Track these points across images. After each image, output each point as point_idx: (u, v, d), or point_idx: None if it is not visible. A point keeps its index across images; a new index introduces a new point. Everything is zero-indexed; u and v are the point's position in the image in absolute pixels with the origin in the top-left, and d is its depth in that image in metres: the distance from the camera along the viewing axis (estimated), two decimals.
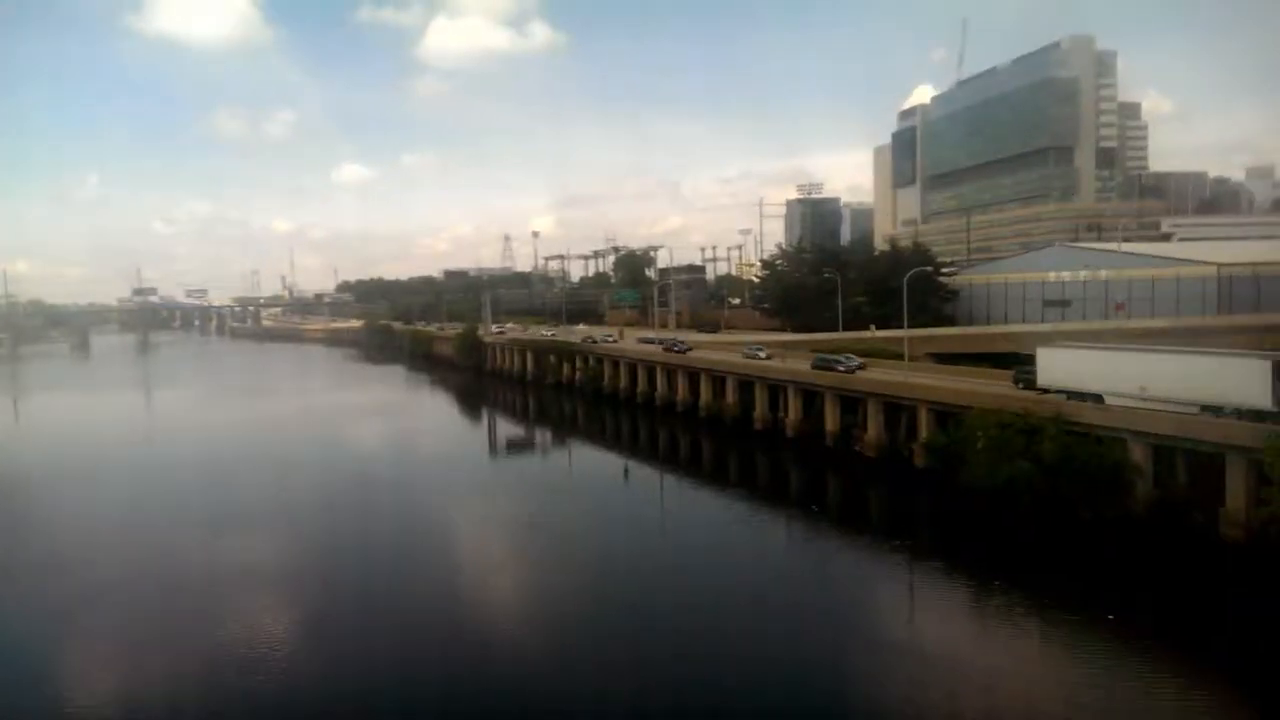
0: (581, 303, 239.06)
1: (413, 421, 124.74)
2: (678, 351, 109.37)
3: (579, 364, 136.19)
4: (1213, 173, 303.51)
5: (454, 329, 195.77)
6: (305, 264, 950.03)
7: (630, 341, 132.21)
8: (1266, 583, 44.19)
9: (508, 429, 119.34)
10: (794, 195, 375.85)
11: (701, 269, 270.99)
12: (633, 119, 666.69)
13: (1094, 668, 37.10)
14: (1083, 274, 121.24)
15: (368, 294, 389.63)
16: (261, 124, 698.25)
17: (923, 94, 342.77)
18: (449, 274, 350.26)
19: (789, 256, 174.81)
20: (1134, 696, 34.44)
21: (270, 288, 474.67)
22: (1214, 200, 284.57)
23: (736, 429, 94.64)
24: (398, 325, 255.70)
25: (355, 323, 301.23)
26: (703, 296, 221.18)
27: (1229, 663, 37.32)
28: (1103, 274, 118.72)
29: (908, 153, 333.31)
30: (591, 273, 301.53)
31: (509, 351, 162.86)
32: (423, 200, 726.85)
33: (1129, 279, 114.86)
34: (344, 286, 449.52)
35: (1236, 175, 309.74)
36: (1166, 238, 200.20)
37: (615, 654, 39.82)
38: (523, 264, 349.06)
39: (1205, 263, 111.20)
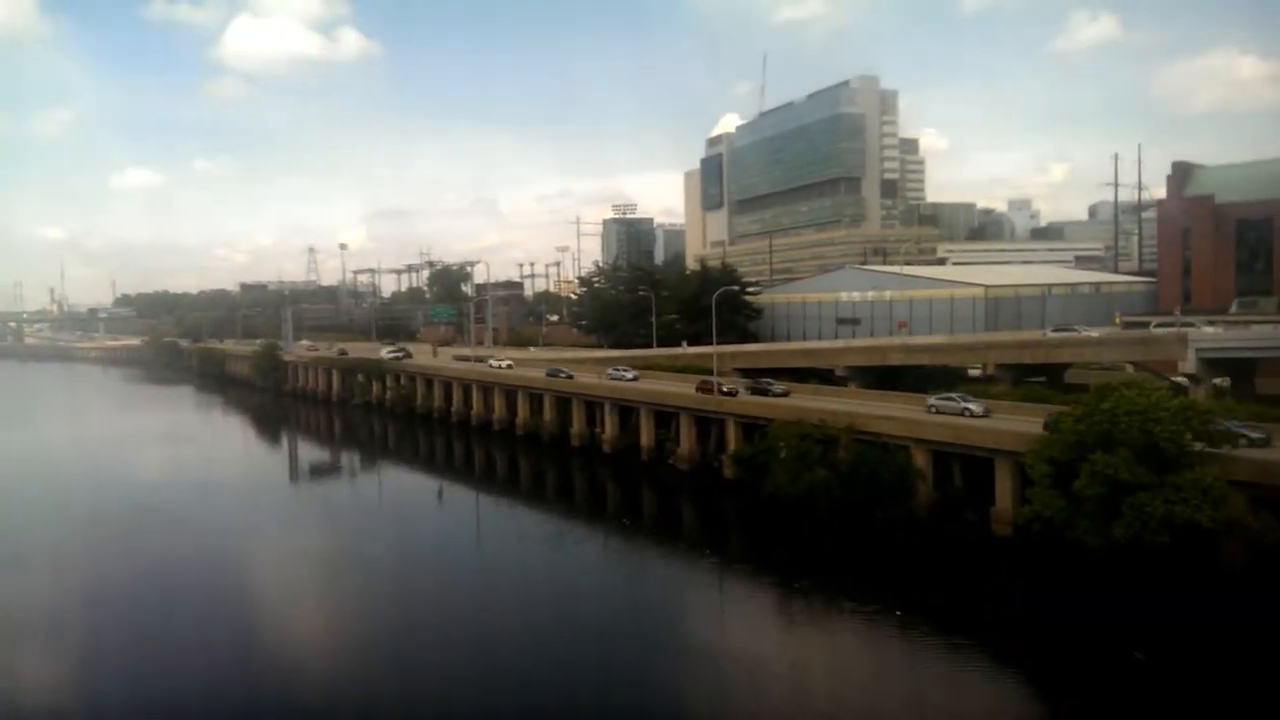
0: (394, 319, 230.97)
1: (202, 448, 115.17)
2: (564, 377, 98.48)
3: (390, 383, 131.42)
4: (980, 204, 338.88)
5: (252, 346, 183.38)
6: (78, 275, 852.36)
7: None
8: (1029, 574, 49.35)
9: (312, 453, 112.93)
10: (610, 215, 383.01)
11: (520, 285, 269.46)
12: (450, 133, 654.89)
13: (884, 659, 40.00)
14: (870, 294, 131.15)
15: (151, 308, 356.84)
16: (31, 122, 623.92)
17: (729, 122, 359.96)
18: (246, 287, 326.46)
19: (605, 275, 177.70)
20: (917, 681, 37.31)
21: (37, 301, 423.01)
22: (981, 228, 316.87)
23: (554, 446, 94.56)
24: (186, 343, 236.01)
25: (137, 340, 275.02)
26: (521, 313, 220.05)
27: (997, 646, 41.26)
28: (887, 294, 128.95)
29: (715, 178, 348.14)
30: (405, 288, 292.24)
31: (313, 370, 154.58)
32: (219, 210, 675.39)
33: (910, 299, 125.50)
34: (124, 300, 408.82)
35: (1000, 206, 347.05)
36: (942, 262, 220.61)
37: (428, 679, 38.45)
38: (329, 278, 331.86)
39: (974, 284, 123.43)
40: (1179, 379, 71.67)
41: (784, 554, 57.67)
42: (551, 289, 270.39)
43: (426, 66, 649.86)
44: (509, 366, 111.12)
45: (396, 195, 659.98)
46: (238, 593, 52.60)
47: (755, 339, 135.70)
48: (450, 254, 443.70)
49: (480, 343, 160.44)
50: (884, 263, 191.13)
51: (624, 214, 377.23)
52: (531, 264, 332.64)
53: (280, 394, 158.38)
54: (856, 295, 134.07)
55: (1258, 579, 42.80)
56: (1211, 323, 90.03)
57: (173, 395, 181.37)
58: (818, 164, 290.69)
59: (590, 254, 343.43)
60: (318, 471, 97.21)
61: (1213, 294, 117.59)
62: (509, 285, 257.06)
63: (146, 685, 38.70)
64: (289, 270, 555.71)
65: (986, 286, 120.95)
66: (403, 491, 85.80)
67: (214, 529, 67.47)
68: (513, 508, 75.95)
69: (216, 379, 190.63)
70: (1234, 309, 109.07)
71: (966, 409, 62.81)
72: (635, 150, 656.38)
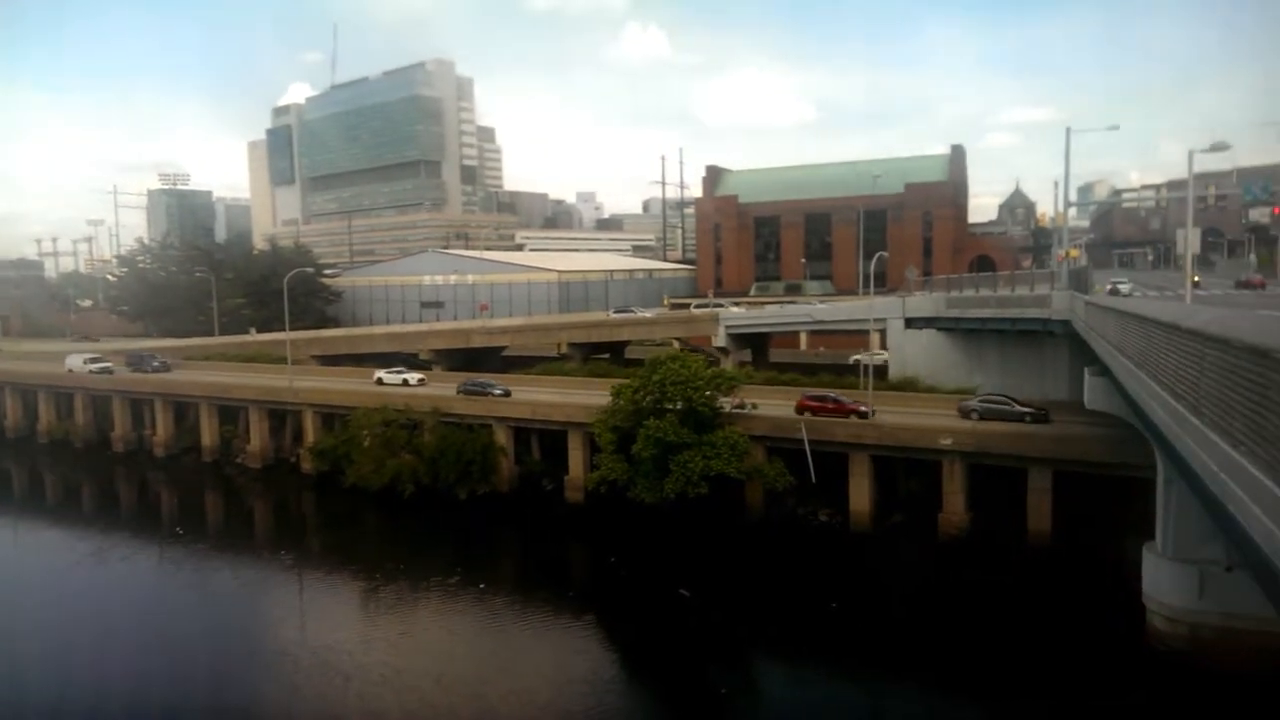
0: None
1: None
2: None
3: None
4: (552, 195, 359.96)
5: None
6: None
7: None
8: (593, 534, 54.25)
9: None
10: (158, 185, 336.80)
11: (38, 264, 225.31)
12: None
13: (466, 628, 41.29)
14: (453, 278, 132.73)
15: None
16: None
17: (299, 92, 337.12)
18: None
19: (153, 253, 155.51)
20: (497, 643, 39.16)
21: None
22: (554, 218, 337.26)
23: (91, 453, 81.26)
24: None
25: None
26: (42, 297, 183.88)
27: (568, 601, 44.85)
28: (470, 278, 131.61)
29: (285, 151, 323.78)
30: None
31: None
32: None
33: (491, 283, 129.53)
34: None
35: (569, 198, 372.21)
36: (520, 248, 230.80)
37: None
38: None
39: (549, 270, 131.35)
40: (714, 351, 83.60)
41: (368, 544, 56.48)
42: (83, 269, 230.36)
43: None
44: (420, 383, 73.12)
45: None
46: None
47: (335, 324, 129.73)
48: None
49: None
50: (466, 247, 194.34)
51: (175, 185, 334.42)
52: (54, 239, 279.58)
53: None
54: (440, 279, 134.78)
55: (772, 515, 52.09)
56: (736, 304, 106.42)
57: None
58: (396, 144, 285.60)
59: (134, 229, 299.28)
60: None
61: (738, 279, 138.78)
62: (22, 264, 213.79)
63: None
64: None
65: (559, 272, 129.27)
66: None
67: None
68: (33, 530, 63.66)
69: None
70: (753, 292, 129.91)
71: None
72: (188, 115, 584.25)
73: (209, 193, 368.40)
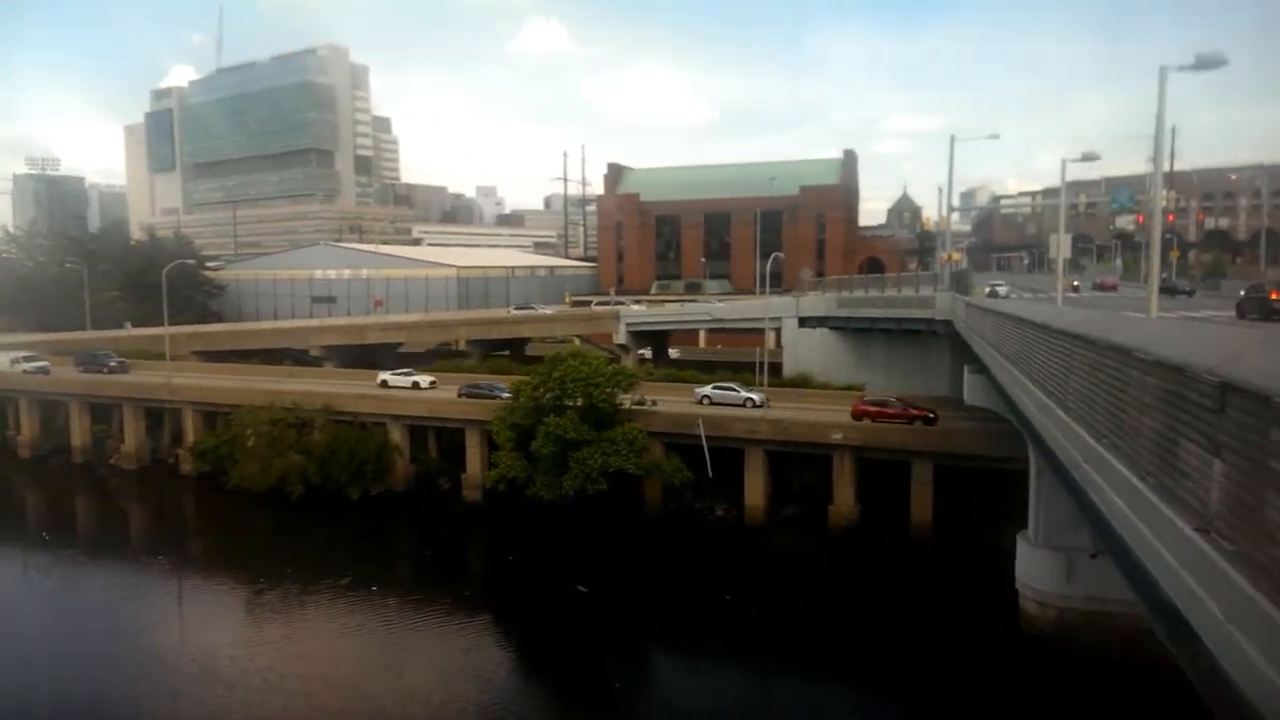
0: None
1: None
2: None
3: None
4: (451, 188, 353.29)
5: None
6: None
7: None
8: (491, 532, 53.65)
9: None
10: (24, 170, 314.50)
11: None
12: None
13: (358, 634, 40.13)
14: (347, 273, 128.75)
15: None
16: None
17: (182, 75, 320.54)
18: None
19: (20, 242, 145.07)
20: (392, 650, 38.26)
21: None
22: (453, 212, 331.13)
23: None
24: None
25: None
26: None
27: (465, 600, 44.21)
28: (364, 273, 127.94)
29: (165, 136, 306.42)
30: None
31: None
32: None
33: (386, 278, 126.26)
34: None
35: (469, 192, 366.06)
36: (417, 242, 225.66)
37: None
38: None
39: (447, 265, 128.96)
40: (615, 348, 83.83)
41: (254, 547, 54.15)
42: None
43: None
44: (432, 385, 67.83)
45: None
46: None
47: (219, 318, 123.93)
48: None
49: None
50: (360, 240, 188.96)
51: (43, 170, 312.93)
52: None
53: None
54: (332, 273, 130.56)
55: (670, 511, 52.61)
56: (638, 302, 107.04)
57: None
58: (286, 132, 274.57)
59: None
60: None
61: (639, 278, 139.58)
62: None
63: None
64: None
65: (458, 268, 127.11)
66: None
67: None
68: None
69: None
70: (654, 290, 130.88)
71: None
72: (60, 95, 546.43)
73: (81, 179, 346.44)
